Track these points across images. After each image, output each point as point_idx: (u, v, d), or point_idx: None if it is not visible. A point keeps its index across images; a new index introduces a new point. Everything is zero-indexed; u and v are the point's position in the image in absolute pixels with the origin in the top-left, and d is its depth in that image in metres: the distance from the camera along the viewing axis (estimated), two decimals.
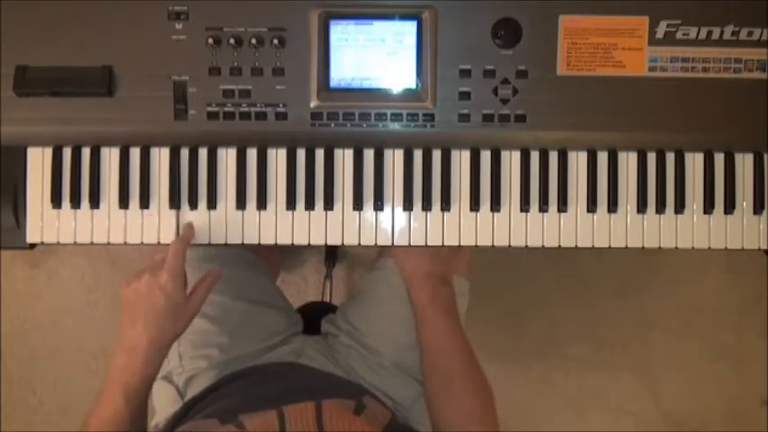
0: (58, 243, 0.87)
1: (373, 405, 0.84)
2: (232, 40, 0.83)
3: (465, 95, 0.84)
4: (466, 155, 0.87)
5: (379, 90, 0.85)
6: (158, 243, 0.86)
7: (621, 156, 0.87)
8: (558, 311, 1.77)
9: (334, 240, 0.87)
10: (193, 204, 0.87)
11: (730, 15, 0.84)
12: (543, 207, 0.87)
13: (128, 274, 0.84)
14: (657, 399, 1.78)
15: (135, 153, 0.87)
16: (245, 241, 0.87)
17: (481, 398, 0.91)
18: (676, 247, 0.88)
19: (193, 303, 0.84)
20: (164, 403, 0.97)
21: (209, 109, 0.84)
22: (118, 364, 0.81)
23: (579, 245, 0.88)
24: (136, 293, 0.81)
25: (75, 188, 0.86)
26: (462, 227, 0.87)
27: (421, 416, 0.97)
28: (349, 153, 0.87)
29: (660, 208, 0.87)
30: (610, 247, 0.88)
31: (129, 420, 0.81)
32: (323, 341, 1.05)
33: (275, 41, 0.83)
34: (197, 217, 0.87)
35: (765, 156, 0.88)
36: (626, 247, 0.88)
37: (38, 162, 0.87)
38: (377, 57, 0.84)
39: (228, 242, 0.87)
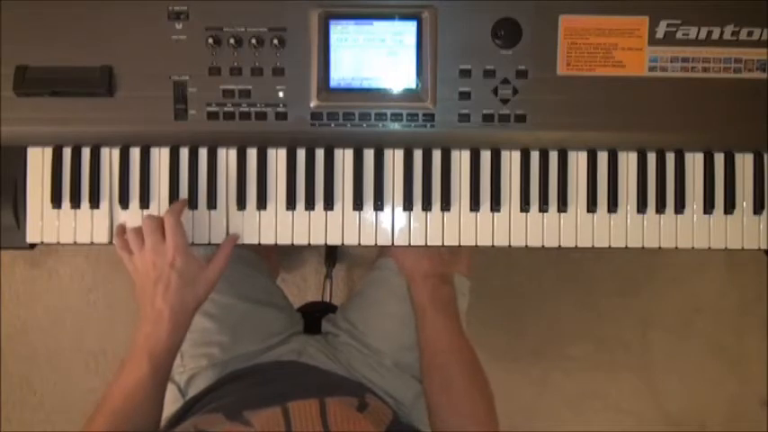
0: (58, 243, 0.87)
1: (375, 403, 0.84)
2: (232, 40, 0.83)
3: (465, 95, 0.84)
4: (466, 155, 0.87)
5: (379, 90, 0.84)
6: None
7: (621, 156, 0.87)
8: (558, 311, 1.77)
9: (334, 240, 0.87)
10: (193, 204, 0.87)
11: (730, 15, 0.84)
12: (543, 207, 0.87)
13: (122, 252, 0.84)
14: (657, 399, 1.78)
15: (135, 153, 0.87)
16: (245, 241, 0.87)
17: (481, 398, 0.91)
18: (676, 247, 0.88)
19: (212, 269, 0.84)
20: (165, 402, 0.97)
21: (209, 109, 0.84)
22: (142, 334, 0.81)
23: (579, 245, 0.88)
24: (146, 276, 0.82)
25: (75, 188, 0.86)
26: (462, 227, 0.87)
27: (422, 414, 0.97)
28: (349, 153, 0.87)
29: (660, 208, 0.87)
30: (610, 247, 0.88)
31: (153, 389, 0.81)
32: (323, 340, 1.05)
33: (275, 41, 0.83)
34: (197, 217, 0.87)
35: (765, 156, 0.88)
36: (626, 247, 0.88)
37: (38, 162, 0.87)
38: (377, 57, 0.84)
39: None
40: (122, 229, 0.85)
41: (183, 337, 0.84)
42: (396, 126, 0.85)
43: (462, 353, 0.93)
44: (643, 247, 0.88)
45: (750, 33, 0.85)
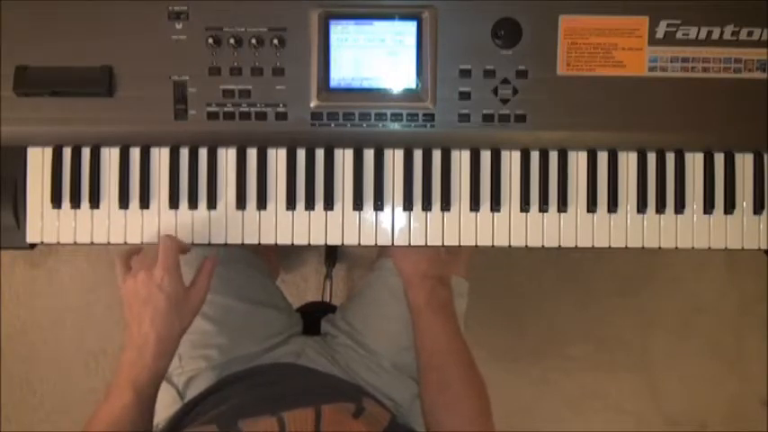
0: (58, 243, 0.87)
1: (373, 407, 0.84)
2: (232, 40, 0.83)
3: (465, 95, 0.84)
4: (466, 155, 0.87)
5: (379, 90, 0.84)
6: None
7: (621, 156, 0.87)
8: (558, 311, 1.77)
9: (334, 240, 0.87)
10: (193, 204, 0.87)
11: (730, 15, 0.84)
12: (543, 207, 0.87)
13: (120, 270, 0.85)
14: (657, 399, 1.78)
15: (135, 153, 0.87)
16: (245, 241, 0.87)
17: (477, 400, 0.91)
18: (676, 247, 0.88)
19: (196, 294, 0.84)
20: (163, 404, 0.96)
21: (209, 109, 0.84)
22: (127, 361, 0.81)
23: (579, 245, 0.88)
24: (135, 295, 0.81)
25: (75, 188, 0.86)
26: (462, 227, 0.87)
27: (420, 416, 0.97)
28: (349, 153, 0.87)
29: (660, 208, 0.87)
30: (610, 247, 0.88)
31: (138, 417, 0.81)
32: (322, 342, 1.05)
33: (275, 41, 0.83)
34: (197, 217, 0.87)
35: (765, 156, 0.88)
36: (626, 247, 0.88)
37: (38, 162, 0.87)
38: (377, 57, 0.84)
39: (228, 242, 0.87)
40: (128, 255, 0.85)
41: (168, 363, 0.83)
42: (396, 126, 0.85)
43: (459, 354, 0.93)
44: (643, 247, 0.88)
45: (750, 33, 0.85)
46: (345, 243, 0.87)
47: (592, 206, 0.87)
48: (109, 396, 0.81)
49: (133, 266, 0.84)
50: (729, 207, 0.88)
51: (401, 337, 0.99)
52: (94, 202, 0.86)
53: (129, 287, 0.82)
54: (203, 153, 0.87)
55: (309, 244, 0.87)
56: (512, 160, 0.87)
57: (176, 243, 0.83)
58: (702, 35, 0.84)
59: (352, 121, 0.84)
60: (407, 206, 0.87)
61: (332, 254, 1.68)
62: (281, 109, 0.84)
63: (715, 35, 0.84)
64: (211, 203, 0.87)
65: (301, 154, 0.87)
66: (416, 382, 0.98)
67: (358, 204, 0.87)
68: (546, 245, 0.88)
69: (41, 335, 1.74)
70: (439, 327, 0.93)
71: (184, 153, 0.87)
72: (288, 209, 0.87)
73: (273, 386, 0.90)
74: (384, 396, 0.97)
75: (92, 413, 0.82)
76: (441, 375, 0.91)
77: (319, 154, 0.87)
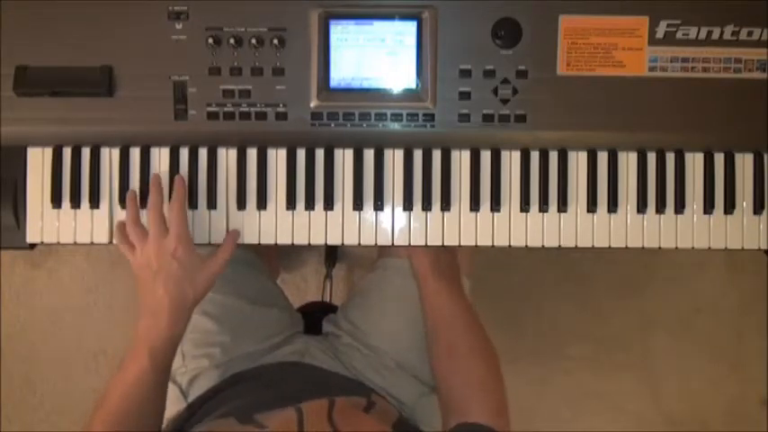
0: (58, 243, 0.87)
1: (382, 403, 0.84)
2: (232, 40, 0.83)
3: (465, 95, 0.84)
4: (466, 155, 0.87)
5: (379, 90, 0.85)
6: None
7: (621, 156, 0.87)
8: (558, 311, 1.77)
9: (334, 240, 0.87)
10: (193, 204, 0.87)
11: (730, 15, 0.84)
12: (543, 207, 0.87)
13: (126, 249, 0.84)
14: (657, 399, 1.78)
15: (135, 153, 0.87)
16: (245, 241, 0.87)
17: (485, 363, 0.89)
18: (676, 247, 0.88)
19: (213, 264, 0.83)
20: (166, 403, 0.97)
21: (209, 109, 0.84)
22: (143, 327, 0.81)
23: (579, 245, 0.88)
24: (148, 267, 0.81)
25: (75, 188, 0.86)
26: (462, 227, 0.87)
27: (423, 415, 0.97)
28: (349, 153, 0.87)
29: (660, 208, 0.87)
30: (610, 247, 0.88)
31: (153, 384, 0.81)
32: (325, 341, 1.05)
33: (275, 41, 0.83)
34: (197, 216, 0.87)
35: (765, 156, 0.88)
36: (626, 247, 0.88)
37: (38, 162, 0.87)
38: (377, 57, 0.84)
39: None
40: (123, 225, 0.85)
41: (182, 330, 0.83)
42: (396, 126, 0.85)
43: (464, 315, 0.92)
44: (643, 247, 0.88)
45: (750, 33, 0.85)
46: (345, 243, 0.87)
47: (592, 206, 0.87)
48: (125, 363, 0.81)
49: (134, 238, 0.82)
50: (729, 207, 0.88)
51: (404, 335, 0.99)
52: (94, 202, 0.86)
53: (141, 261, 0.82)
54: (203, 153, 0.87)
55: (309, 244, 0.87)
56: (512, 160, 0.87)
57: (183, 207, 0.83)
58: (702, 35, 0.84)
59: (352, 121, 0.84)
60: (407, 206, 0.87)
61: (332, 254, 1.68)
62: (281, 109, 0.84)
63: (715, 35, 0.84)
64: (211, 203, 0.87)
65: (301, 154, 0.87)
66: (420, 381, 0.98)
67: (358, 204, 0.87)
68: (546, 245, 0.88)
69: (41, 335, 1.74)
70: (445, 292, 0.92)
71: (184, 153, 0.87)
72: (288, 209, 0.87)
73: (282, 384, 0.90)
74: (388, 395, 0.97)
75: (107, 384, 0.81)
76: (448, 339, 0.90)
77: (319, 154, 0.87)
